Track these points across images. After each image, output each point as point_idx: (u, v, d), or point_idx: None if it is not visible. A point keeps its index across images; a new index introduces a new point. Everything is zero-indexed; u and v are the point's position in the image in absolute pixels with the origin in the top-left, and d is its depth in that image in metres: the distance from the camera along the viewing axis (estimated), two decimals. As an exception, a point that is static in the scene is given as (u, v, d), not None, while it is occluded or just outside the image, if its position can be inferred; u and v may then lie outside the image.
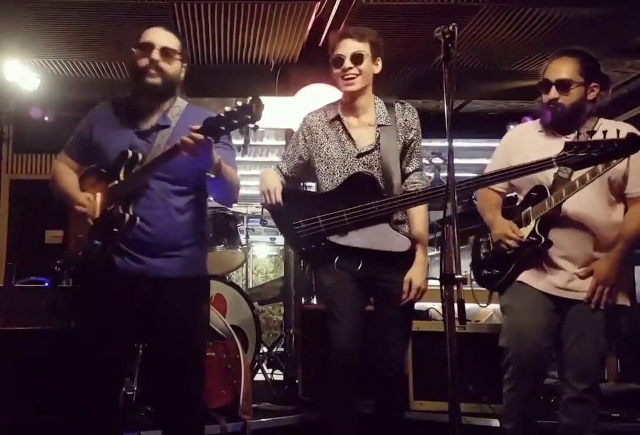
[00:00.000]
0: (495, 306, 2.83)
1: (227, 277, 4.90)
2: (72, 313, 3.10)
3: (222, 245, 4.59)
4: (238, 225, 4.93)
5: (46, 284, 3.92)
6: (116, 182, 2.23)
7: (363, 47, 2.55)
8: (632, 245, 2.51)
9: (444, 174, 5.71)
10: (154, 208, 2.25)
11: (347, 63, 2.54)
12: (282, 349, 4.85)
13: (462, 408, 1.74)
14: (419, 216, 2.61)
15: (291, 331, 4.29)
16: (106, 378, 2.24)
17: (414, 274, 2.54)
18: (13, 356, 3.25)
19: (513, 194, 2.74)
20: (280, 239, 7.20)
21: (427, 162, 6.20)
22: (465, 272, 2.12)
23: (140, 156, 2.23)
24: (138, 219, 2.20)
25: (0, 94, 5.26)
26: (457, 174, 1.99)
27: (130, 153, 2.22)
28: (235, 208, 5.16)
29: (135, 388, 3.19)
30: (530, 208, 2.54)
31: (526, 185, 2.59)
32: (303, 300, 4.59)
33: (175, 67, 2.30)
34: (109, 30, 4.21)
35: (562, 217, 2.48)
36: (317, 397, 2.83)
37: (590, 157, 2.21)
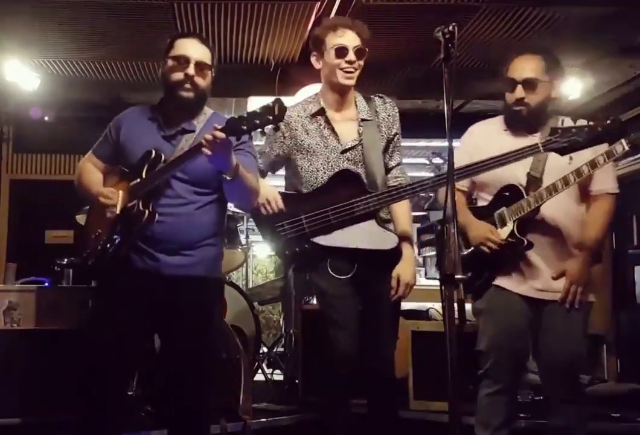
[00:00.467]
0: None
1: (227, 277, 4.91)
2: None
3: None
4: (238, 225, 4.93)
5: (46, 284, 3.92)
6: (138, 180, 2.26)
7: (361, 43, 2.51)
8: (599, 244, 2.54)
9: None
10: (173, 206, 2.27)
11: (352, 56, 2.49)
12: (282, 349, 4.85)
13: (462, 408, 1.73)
14: (403, 214, 2.58)
15: (291, 331, 4.29)
16: (114, 377, 2.24)
17: (402, 270, 2.51)
18: (15, 356, 3.25)
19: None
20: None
21: (427, 162, 6.22)
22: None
23: (163, 156, 2.26)
24: (157, 215, 2.22)
25: (0, 94, 5.25)
26: (457, 174, 1.99)
27: (153, 153, 2.25)
28: (235, 208, 5.16)
29: (135, 388, 3.19)
30: (504, 208, 2.50)
31: (491, 183, 2.54)
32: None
33: (208, 81, 2.33)
34: (109, 30, 4.21)
35: (539, 217, 2.47)
36: (317, 397, 2.83)
37: (575, 142, 2.24)
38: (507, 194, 2.51)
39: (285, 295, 4.69)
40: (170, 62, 2.31)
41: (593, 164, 2.39)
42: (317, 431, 2.76)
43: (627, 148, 2.36)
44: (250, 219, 5.59)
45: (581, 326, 2.48)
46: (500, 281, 2.51)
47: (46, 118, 5.51)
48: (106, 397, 2.22)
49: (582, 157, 2.41)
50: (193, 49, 2.31)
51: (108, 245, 2.26)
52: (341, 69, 2.50)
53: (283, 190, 2.64)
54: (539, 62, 2.47)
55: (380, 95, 2.65)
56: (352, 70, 2.51)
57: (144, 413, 3.24)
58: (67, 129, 5.58)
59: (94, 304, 2.52)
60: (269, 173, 2.73)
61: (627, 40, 4.42)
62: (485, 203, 2.60)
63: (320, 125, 2.57)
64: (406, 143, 6.11)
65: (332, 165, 2.52)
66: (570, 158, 2.45)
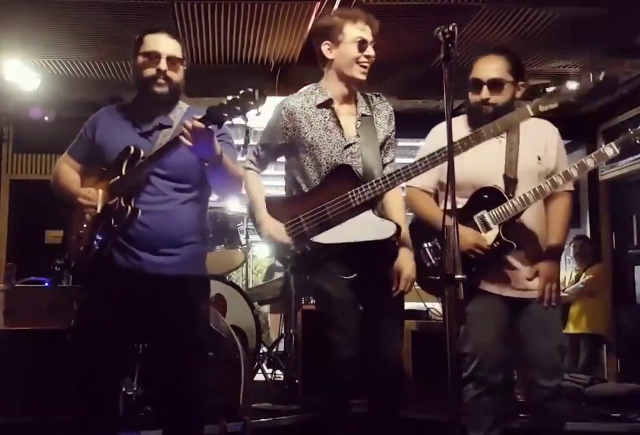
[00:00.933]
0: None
1: (227, 277, 4.91)
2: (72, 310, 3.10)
3: (222, 245, 4.59)
4: (238, 225, 4.93)
5: (46, 284, 3.93)
6: (118, 177, 2.24)
7: (374, 39, 2.48)
8: (564, 241, 2.60)
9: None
10: (154, 204, 2.25)
11: (371, 50, 2.46)
12: (282, 349, 4.85)
13: (462, 408, 1.73)
14: (397, 207, 2.54)
15: (291, 331, 4.28)
16: (105, 377, 2.23)
17: (402, 263, 2.47)
18: (13, 356, 3.25)
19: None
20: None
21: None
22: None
23: (142, 152, 2.24)
24: (140, 211, 2.20)
25: (0, 94, 5.26)
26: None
27: (132, 149, 2.24)
28: (235, 208, 5.17)
29: (135, 388, 3.19)
30: (484, 212, 2.47)
31: (465, 186, 2.46)
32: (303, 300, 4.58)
33: (180, 75, 2.33)
34: (109, 30, 4.21)
35: (517, 219, 2.48)
36: (317, 397, 2.83)
37: (566, 101, 2.26)
38: (485, 196, 2.47)
39: (285, 295, 4.69)
40: (141, 59, 2.31)
41: (582, 167, 2.41)
42: (317, 431, 2.75)
43: (617, 151, 2.37)
44: (250, 219, 5.60)
45: (559, 321, 2.61)
46: (483, 285, 2.51)
47: (46, 118, 5.52)
48: (98, 398, 2.21)
49: (550, 157, 2.48)
50: (163, 44, 2.30)
51: (91, 245, 2.23)
52: (359, 63, 2.46)
53: (283, 190, 2.63)
54: (504, 63, 2.46)
55: (377, 93, 2.64)
56: (368, 65, 2.48)
57: (144, 413, 3.23)
58: (67, 129, 5.48)
59: (79, 305, 2.48)
60: (268, 173, 2.71)
61: (627, 40, 4.43)
62: (459, 206, 2.50)
63: (326, 117, 2.51)
64: (406, 143, 6.11)
65: (335, 160, 2.47)
66: (539, 158, 2.48)
